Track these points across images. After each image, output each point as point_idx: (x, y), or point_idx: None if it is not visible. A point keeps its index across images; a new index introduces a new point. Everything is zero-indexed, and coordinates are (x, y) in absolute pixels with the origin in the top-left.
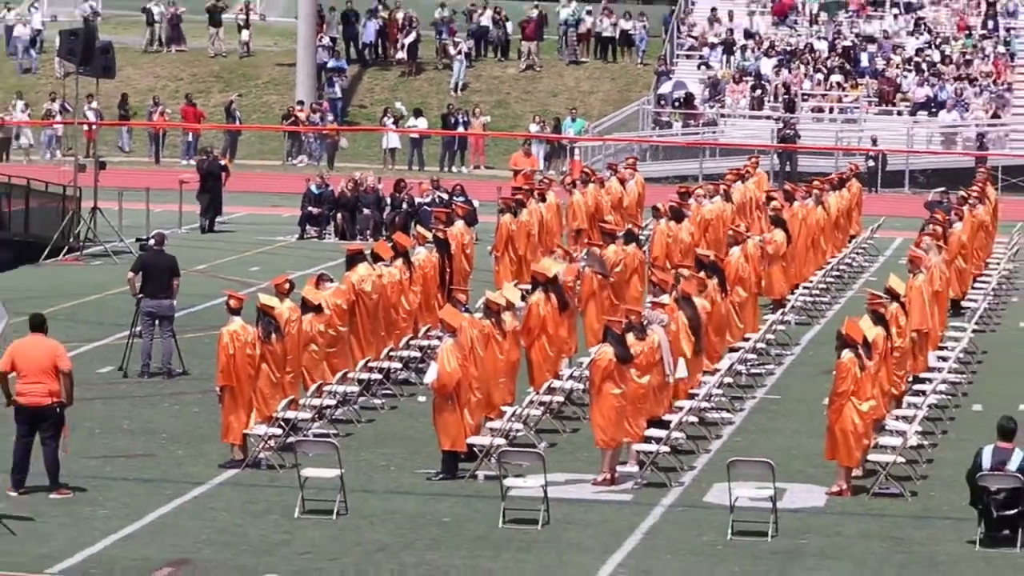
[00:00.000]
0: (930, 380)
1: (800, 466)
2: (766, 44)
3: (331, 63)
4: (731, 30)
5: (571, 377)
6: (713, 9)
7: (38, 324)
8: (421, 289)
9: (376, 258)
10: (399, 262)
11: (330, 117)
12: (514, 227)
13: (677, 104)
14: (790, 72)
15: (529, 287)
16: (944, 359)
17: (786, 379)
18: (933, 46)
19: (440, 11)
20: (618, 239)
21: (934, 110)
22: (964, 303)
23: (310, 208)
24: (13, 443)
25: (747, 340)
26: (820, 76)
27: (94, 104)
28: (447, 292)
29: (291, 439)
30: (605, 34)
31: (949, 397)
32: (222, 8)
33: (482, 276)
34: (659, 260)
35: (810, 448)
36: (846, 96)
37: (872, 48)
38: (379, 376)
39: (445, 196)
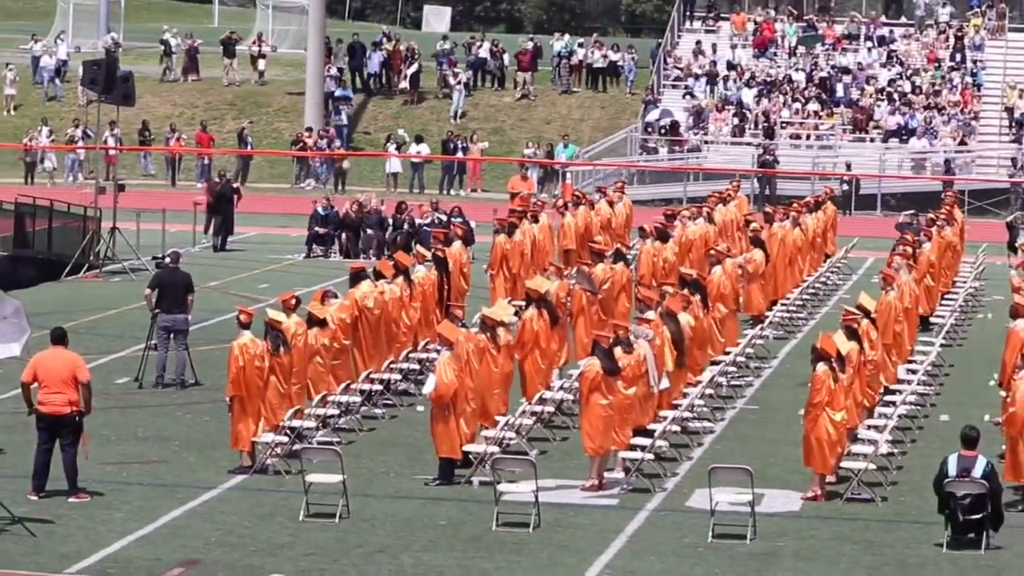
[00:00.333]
0: (900, 392)
1: (777, 473)
2: (747, 75)
3: (338, 92)
4: (714, 62)
5: (561, 388)
6: (698, 42)
7: (59, 337)
8: (420, 305)
9: (378, 276)
10: (400, 279)
11: (337, 143)
12: (508, 247)
13: (663, 131)
14: (770, 101)
15: (523, 303)
16: (913, 372)
17: (764, 390)
18: (904, 77)
19: (441, 43)
20: (607, 258)
21: (905, 137)
22: (932, 319)
23: (316, 228)
24: (34, 450)
25: (728, 354)
26: (798, 105)
27: (115, 130)
28: (445, 308)
29: (297, 446)
30: (596, 65)
31: (918, 408)
32: (236, 40)
33: (478, 293)
34: (645, 278)
35: (787, 455)
36: (822, 124)
37: (847, 79)
38: (380, 387)
39: (444, 217)
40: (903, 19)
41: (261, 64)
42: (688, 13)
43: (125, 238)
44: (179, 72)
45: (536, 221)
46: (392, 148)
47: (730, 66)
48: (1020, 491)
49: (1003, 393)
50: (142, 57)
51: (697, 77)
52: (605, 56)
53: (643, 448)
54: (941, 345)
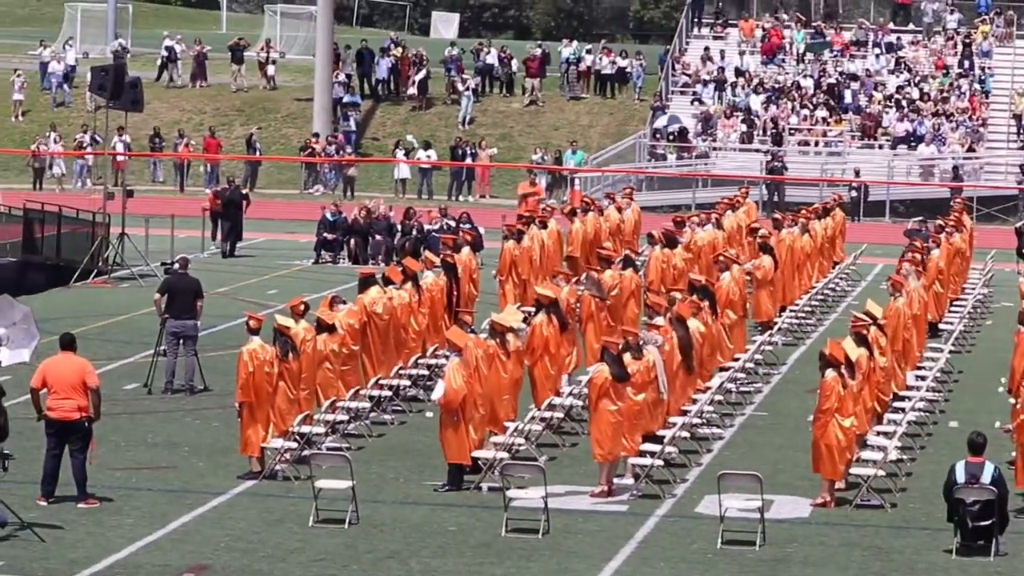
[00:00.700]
0: (909, 398)
1: (786, 479)
2: (755, 81)
3: (346, 98)
4: (722, 68)
5: (571, 394)
6: (706, 48)
7: (68, 343)
8: (429, 311)
9: (387, 281)
10: (408, 285)
11: (348, 149)
12: (517, 253)
13: (671, 137)
14: (778, 108)
15: (532, 309)
16: (922, 378)
17: (773, 397)
18: (912, 84)
19: (449, 50)
20: (615, 264)
21: (913, 144)
22: (941, 325)
23: (325, 234)
24: (43, 455)
25: (737, 360)
26: (806, 112)
27: (124, 136)
28: (454, 314)
29: (306, 452)
30: (604, 72)
31: (927, 414)
32: (244, 46)
33: (487, 299)
34: (654, 284)
35: (796, 462)
36: (830, 130)
37: (855, 86)
38: (389, 393)
39: (453, 223)
40: (911, 26)
41: (271, 69)
42: (696, 19)
43: (134, 244)
44: (187, 78)
45: (545, 227)
46: (401, 154)
47: (738, 72)
48: None
49: (1012, 400)
50: (150, 63)
51: (705, 83)
52: (613, 62)
53: (652, 454)
54: (950, 352)
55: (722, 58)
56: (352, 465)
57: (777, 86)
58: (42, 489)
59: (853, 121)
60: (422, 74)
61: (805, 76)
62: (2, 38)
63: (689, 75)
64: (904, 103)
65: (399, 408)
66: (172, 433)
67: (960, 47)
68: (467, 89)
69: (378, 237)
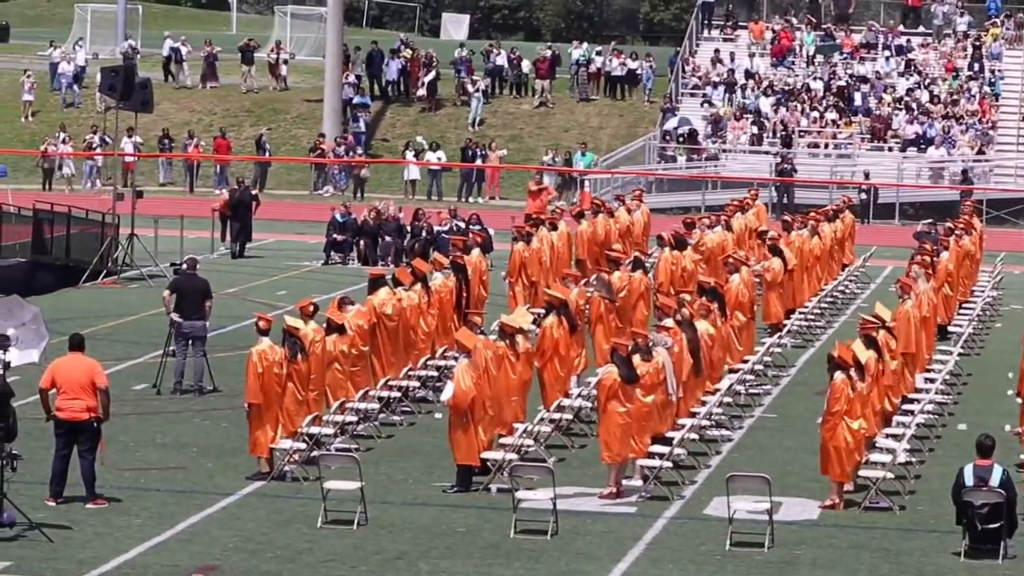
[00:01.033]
0: (918, 401)
1: (795, 481)
2: (765, 84)
3: (356, 99)
4: (732, 70)
5: (580, 396)
6: (716, 50)
7: (77, 343)
8: (438, 312)
9: (396, 283)
10: (418, 286)
11: (359, 150)
12: (527, 254)
13: (681, 139)
14: (788, 110)
15: (541, 311)
16: (931, 381)
17: (782, 399)
18: (922, 86)
19: (459, 51)
20: (623, 266)
21: (923, 146)
22: (950, 328)
23: (335, 235)
24: (52, 456)
25: (746, 362)
26: (816, 114)
27: (133, 137)
28: (463, 315)
29: (315, 453)
30: (614, 73)
31: (936, 417)
32: (254, 47)
33: (497, 300)
34: (664, 286)
35: (805, 464)
36: (840, 133)
37: (865, 88)
38: (398, 394)
39: (462, 225)
40: (921, 28)
41: (284, 70)
42: (706, 21)
43: (143, 244)
44: (193, 79)
45: (555, 228)
46: (411, 155)
47: (748, 75)
48: None
49: (1020, 400)
50: (161, 64)
51: (715, 85)
52: (623, 64)
53: (661, 456)
54: (959, 354)
55: (732, 60)
56: (361, 466)
57: (787, 88)
58: (50, 489)
59: (863, 123)
60: (432, 75)
61: (815, 78)
62: (12, 38)
63: (699, 77)
64: (914, 106)
65: (408, 409)
66: (181, 434)
67: (970, 50)
68: (477, 90)
69: (387, 238)
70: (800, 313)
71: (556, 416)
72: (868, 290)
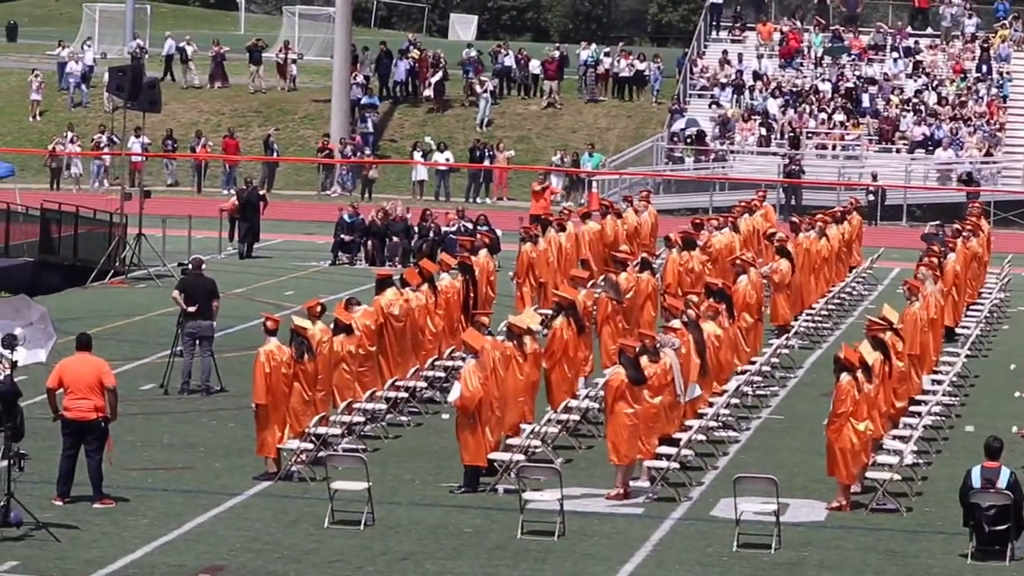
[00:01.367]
0: (925, 402)
1: (802, 482)
2: (773, 85)
3: (364, 100)
4: (740, 72)
5: (587, 397)
6: (724, 52)
7: (84, 343)
8: (445, 313)
9: (404, 283)
10: (425, 287)
11: (367, 151)
12: (534, 255)
13: (689, 140)
14: (796, 112)
15: (549, 312)
16: (939, 382)
17: (790, 400)
18: (930, 88)
19: (467, 51)
20: (631, 267)
21: (931, 148)
22: (958, 330)
23: (342, 236)
24: (59, 455)
25: (753, 363)
26: (824, 115)
27: (141, 137)
28: (470, 316)
29: (322, 453)
30: (622, 74)
31: (943, 418)
32: (262, 47)
33: (504, 301)
34: (671, 287)
35: (812, 465)
36: (848, 134)
37: (873, 90)
38: (405, 395)
39: (470, 225)
40: (929, 30)
41: (294, 70)
42: (714, 23)
43: (151, 244)
44: (196, 79)
45: (563, 229)
46: (418, 156)
47: (756, 76)
48: None
49: None
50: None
51: (723, 87)
52: (631, 65)
53: (668, 457)
54: (967, 356)
55: (740, 61)
56: (368, 466)
57: (795, 90)
58: (58, 489)
59: (871, 125)
60: (438, 76)
61: (823, 80)
62: (21, 38)
63: (707, 78)
64: (922, 107)
65: (415, 410)
66: (188, 434)
67: (978, 51)
68: (485, 91)
69: (395, 239)
70: (807, 315)
71: (563, 417)
72: (875, 292)
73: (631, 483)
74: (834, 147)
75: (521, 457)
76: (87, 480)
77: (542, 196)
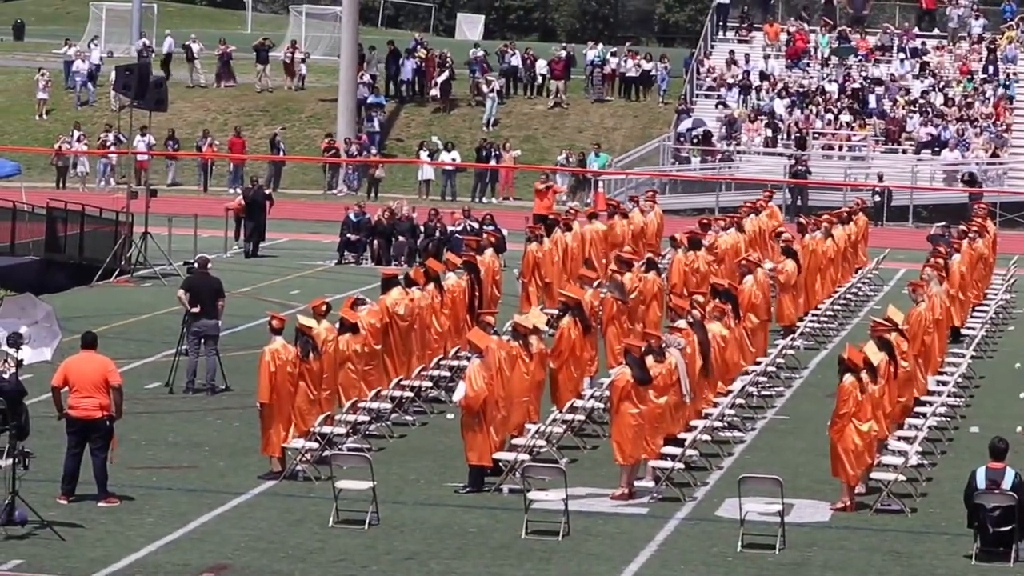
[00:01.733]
0: (930, 403)
1: (807, 483)
2: (780, 86)
3: (371, 99)
4: (747, 72)
5: (592, 397)
6: (731, 52)
7: (90, 341)
8: (451, 312)
9: (410, 283)
10: (431, 286)
11: (373, 150)
12: (540, 255)
13: (695, 141)
14: (802, 112)
15: (555, 312)
16: (944, 383)
17: (795, 401)
18: (937, 89)
19: (474, 51)
20: (636, 267)
21: (937, 149)
22: (963, 331)
23: (348, 235)
24: (64, 454)
25: (758, 364)
26: (830, 116)
27: (147, 136)
28: (476, 316)
29: (327, 453)
30: (629, 74)
31: (948, 419)
32: (269, 46)
33: (510, 301)
34: (677, 287)
35: (816, 466)
36: (854, 135)
37: (879, 90)
38: (411, 394)
39: (476, 225)
40: (936, 31)
41: (303, 69)
42: (721, 23)
43: (157, 243)
44: (211, 78)
45: (569, 229)
46: (424, 155)
47: (763, 76)
48: None
49: None
50: (175, 63)
51: (730, 87)
52: (638, 65)
53: (673, 457)
54: (972, 357)
55: (747, 62)
56: (373, 466)
57: (802, 90)
58: (62, 487)
59: (877, 126)
60: (444, 75)
61: (830, 80)
62: (27, 36)
63: (714, 78)
64: (928, 108)
65: (420, 409)
66: (193, 432)
67: (985, 53)
68: (491, 91)
69: (401, 238)
70: (813, 315)
71: (569, 417)
72: (881, 292)
73: (636, 483)
74: (840, 148)
75: (526, 457)
76: (92, 479)
77: (546, 196)
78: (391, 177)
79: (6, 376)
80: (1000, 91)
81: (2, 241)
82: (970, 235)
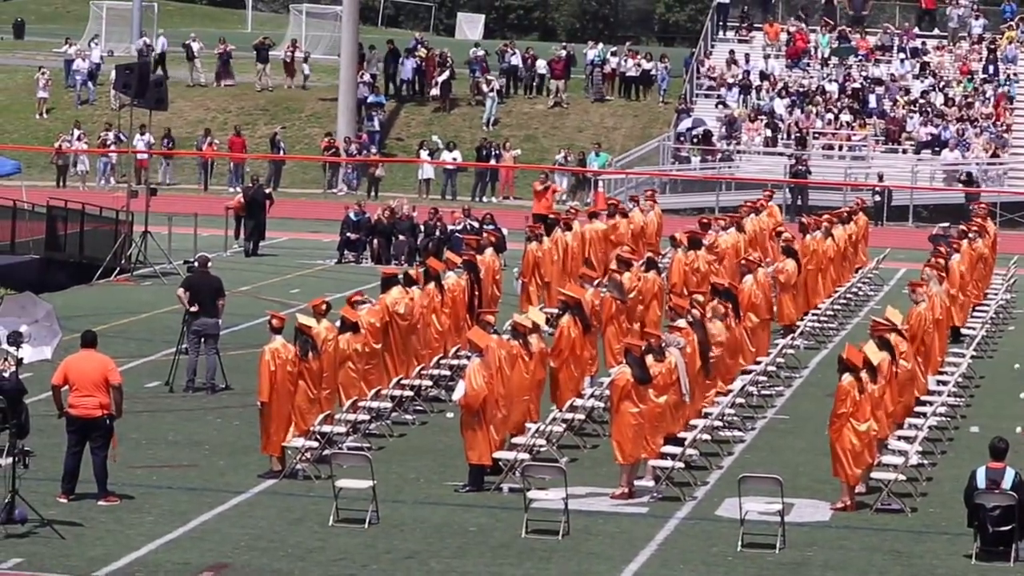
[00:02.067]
0: (930, 403)
1: (807, 482)
2: (780, 85)
3: (371, 98)
4: (747, 72)
5: (592, 396)
6: (731, 52)
7: (90, 340)
8: (451, 311)
9: (410, 282)
10: (431, 285)
11: (373, 149)
12: (540, 254)
13: (696, 140)
14: (802, 112)
15: (555, 311)
16: (944, 383)
17: (795, 400)
18: (937, 89)
19: (474, 51)
20: (636, 267)
21: (937, 149)
22: (963, 331)
23: (348, 234)
24: (64, 452)
25: (759, 363)
26: (830, 116)
27: (147, 135)
28: (475, 314)
29: (327, 452)
30: (629, 74)
31: (948, 419)
32: (269, 46)
33: (510, 300)
34: (677, 287)
35: (816, 465)
36: (854, 135)
37: (880, 90)
38: (410, 393)
39: (476, 224)
40: (936, 31)
41: (305, 68)
42: (721, 23)
43: (157, 242)
44: (211, 76)
45: (569, 228)
46: (425, 154)
47: (763, 76)
48: None
49: None
50: (175, 62)
51: (730, 87)
52: (638, 65)
53: (673, 456)
54: (972, 356)
55: (747, 62)
56: (373, 465)
57: (802, 90)
58: (62, 486)
59: (877, 126)
60: (444, 75)
61: (830, 80)
62: (28, 35)
63: (714, 78)
64: (928, 108)
65: (420, 408)
66: (193, 431)
67: (985, 53)
68: (492, 90)
69: (401, 237)
70: (813, 315)
71: (569, 416)
72: (881, 292)
73: (636, 482)
74: (840, 147)
75: (526, 456)
76: (92, 477)
77: (544, 195)
78: (391, 176)
79: (6, 375)
80: (1000, 91)
81: (2, 240)
82: (970, 235)
